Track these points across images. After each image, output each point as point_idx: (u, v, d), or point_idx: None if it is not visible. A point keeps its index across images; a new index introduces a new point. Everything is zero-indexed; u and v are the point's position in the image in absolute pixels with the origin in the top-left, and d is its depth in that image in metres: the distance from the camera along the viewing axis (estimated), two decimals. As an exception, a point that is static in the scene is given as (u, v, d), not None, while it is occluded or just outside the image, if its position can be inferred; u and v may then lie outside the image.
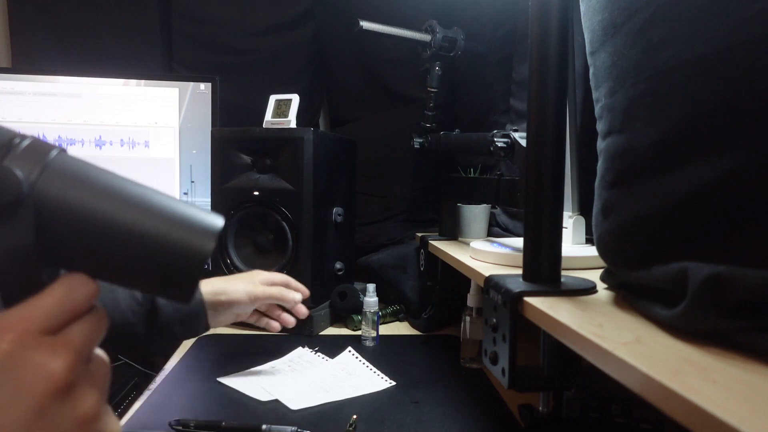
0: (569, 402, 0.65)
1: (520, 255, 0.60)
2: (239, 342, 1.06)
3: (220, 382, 0.85)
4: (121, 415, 0.74)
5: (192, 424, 0.70)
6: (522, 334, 0.56)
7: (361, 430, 0.71)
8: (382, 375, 0.88)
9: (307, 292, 0.94)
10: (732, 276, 0.35)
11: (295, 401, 0.78)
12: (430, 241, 1.09)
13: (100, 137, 1.30)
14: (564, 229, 0.61)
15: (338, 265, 1.21)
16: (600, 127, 0.53)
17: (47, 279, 0.30)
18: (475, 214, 1.14)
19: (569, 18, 0.57)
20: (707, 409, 0.28)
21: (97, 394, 0.30)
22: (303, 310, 0.93)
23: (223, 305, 0.84)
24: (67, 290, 0.30)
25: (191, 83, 1.33)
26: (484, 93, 1.33)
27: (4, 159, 0.29)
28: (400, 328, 1.18)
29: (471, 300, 0.95)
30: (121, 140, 1.31)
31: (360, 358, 0.96)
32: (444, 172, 1.31)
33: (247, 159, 1.14)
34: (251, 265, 1.12)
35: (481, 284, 0.67)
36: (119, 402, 1.05)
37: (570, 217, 0.82)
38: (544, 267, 0.57)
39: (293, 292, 0.91)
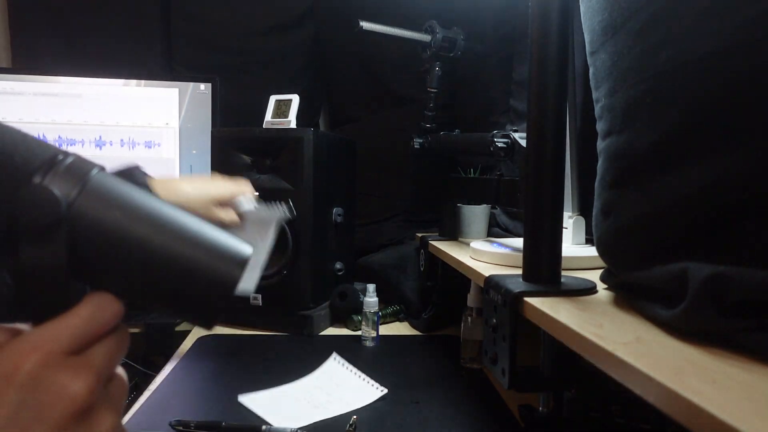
0: (569, 402, 0.65)
1: (520, 255, 0.60)
2: (239, 342, 1.06)
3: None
4: (121, 416, 0.74)
5: (192, 424, 0.70)
6: (522, 335, 0.56)
7: (361, 431, 0.71)
8: (373, 382, 0.85)
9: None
10: (732, 276, 0.35)
11: (283, 422, 0.72)
12: (430, 242, 1.09)
13: (101, 137, 1.30)
14: (564, 230, 0.61)
15: (338, 266, 1.21)
16: (600, 127, 0.53)
17: (75, 296, 0.30)
18: (475, 215, 1.14)
19: (569, 18, 0.57)
20: (707, 409, 0.28)
21: (115, 416, 0.30)
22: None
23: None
24: (94, 310, 0.30)
25: (191, 83, 1.33)
26: (484, 93, 1.33)
27: (45, 176, 0.29)
28: (400, 329, 1.18)
29: (471, 300, 0.95)
30: (121, 140, 1.31)
31: (347, 365, 0.91)
32: (444, 173, 1.31)
33: (247, 159, 1.14)
34: (251, 266, 1.12)
35: (481, 284, 0.67)
36: (119, 402, 1.04)
37: (570, 217, 0.82)
38: (544, 267, 0.57)
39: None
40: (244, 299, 1.12)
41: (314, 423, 0.73)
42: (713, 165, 0.38)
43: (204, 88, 1.34)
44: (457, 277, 0.91)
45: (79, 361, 0.29)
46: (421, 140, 1.15)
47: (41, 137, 1.35)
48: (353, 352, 1.00)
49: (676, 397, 0.30)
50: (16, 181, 0.29)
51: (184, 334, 1.10)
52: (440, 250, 1.00)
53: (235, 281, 0.32)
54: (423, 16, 1.18)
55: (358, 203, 1.37)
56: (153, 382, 0.85)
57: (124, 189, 0.32)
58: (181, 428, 0.70)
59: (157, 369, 0.93)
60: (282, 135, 1.10)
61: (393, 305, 1.22)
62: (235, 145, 1.13)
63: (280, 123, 1.13)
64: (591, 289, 0.57)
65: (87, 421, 0.28)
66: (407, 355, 1.00)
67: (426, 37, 1.12)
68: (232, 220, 0.83)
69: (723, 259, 0.37)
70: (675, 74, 0.41)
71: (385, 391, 0.82)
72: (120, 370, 0.33)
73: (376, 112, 1.51)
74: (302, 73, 1.55)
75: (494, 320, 0.59)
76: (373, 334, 1.05)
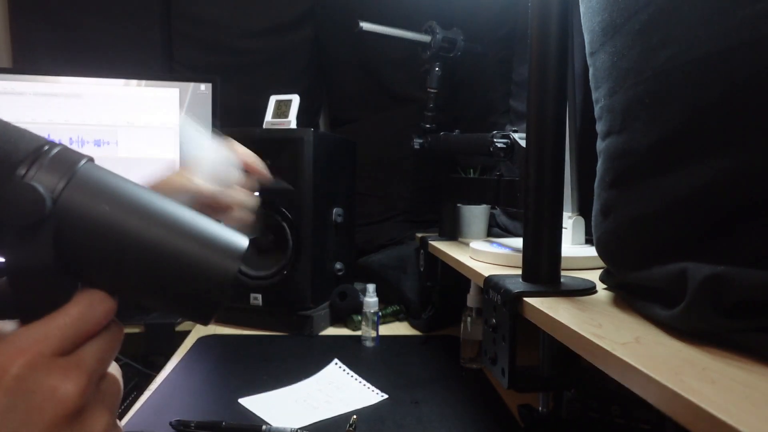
0: (569, 402, 0.65)
1: (520, 255, 0.60)
2: (239, 342, 1.06)
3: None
4: (121, 415, 0.74)
5: (192, 424, 0.70)
6: (522, 335, 0.56)
7: (361, 430, 0.71)
8: (374, 388, 0.84)
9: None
10: (731, 276, 0.35)
11: (283, 422, 0.73)
12: (429, 242, 1.09)
13: (101, 137, 1.30)
14: (563, 230, 0.62)
15: (338, 266, 1.21)
16: (599, 127, 0.53)
17: (66, 294, 0.29)
18: (475, 215, 1.14)
19: (569, 19, 0.57)
20: (707, 409, 0.28)
21: (108, 416, 0.29)
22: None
23: None
24: (84, 309, 0.29)
25: (191, 84, 1.33)
26: (483, 94, 1.33)
27: (30, 169, 0.28)
28: (400, 329, 1.18)
29: (471, 300, 0.95)
30: (121, 141, 1.31)
31: (347, 370, 0.91)
32: (444, 173, 1.31)
33: (247, 159, 1.14)
34: (251, 266, 1.12)
35: (481, 284, 0.67)
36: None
37: (569, 217, 0.82)
38: (543, 267, 0.57)
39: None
40: (245, 299, 1.12)
41: (314, 423, 0.73)
42: (713, 165, 0.38)
43: (204, 88, 1.34)
44: (457, 278, 0.91)
45: (69, 362, 0.28)
46: (421, 140, 1.15)
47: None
48: (353, 352, 1.00)
49: (675, 397, 0.30)
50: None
51: (184, 334, 1.10)
52: (440, 250, 1.00)
53: (232, 275, 0.31)
54: (423, 16, 1.19)
55: (358, 203, 1.37)
56: (153, 382, 0.85)
57: (114, 180, 0.31)
58: (181, 428, 0.70)
59: (157, 369, 0.93)
60: (282, 135, 1.10)
61: (393, 305, 1.22)
62: (235, 146, 1.13)
63: (280, 123, 1.13)
64: (590, 289, 0.57)
65: (79, 423, 0.27)
66: (407, 355, 1.00)
67: (426, 38, 1.12)
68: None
69: (722, 260, 0.37)
70: (675, 74, 0.41)
71: (386, 396, 0.82)
72: (114, 368, 0.32)
73: (376, 112, 1.51)
74: (302, 73, 1.55)
75: (494, 320, 0.59)
76: (373, 334, 1.05)
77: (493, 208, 1.22)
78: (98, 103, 1.30)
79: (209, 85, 1.34)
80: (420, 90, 1.19)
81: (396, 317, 1.22)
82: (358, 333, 1.09)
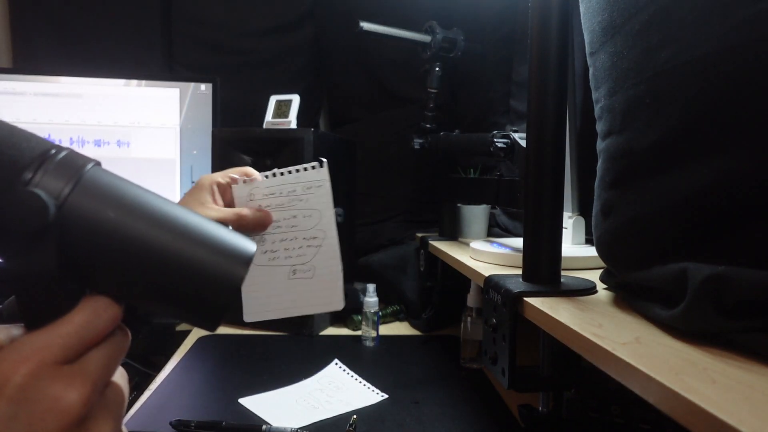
0: (569, 402, 0.65)
1: (520, 255, 0.60)
2: (239, 342, 1.06)
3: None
4: (121, 415, 0.74)
5: (192, 424, 0.70)
6: (522, 335, 0.56)
7: (361, 430, 0.71)
8: (374, 388, 0.84)
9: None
10: (731, 276, 0.35)
11: (283, 421, 0.73)
12: (430, 242, 1.09)
13: (101, 138, 1.30)
14: (564, 230, 0.62)
15: (338, 266, 1.21)
16: (600, 127, 0.53)
17: (71, 300, 0.29)
18: (475, 215, 1.14)
19: (569, 19, 0.57)
20: (707, 409, 0.28)
21: (112, 424, 0.29)
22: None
23: None
24: (89, 316, 0.29)
25: (192, 84, 1.33)
26: (483, 94, 1.33)
27: (35, 174, 0.27)
28: (400, 329, 1.18)
29: (471, 300, 0.95)
30: (121, 141, 1.31)
31: (348, 371, 0.91)
32: (444, 173, 1.31)
33: (247, 159, 1.14)
34: (251, 266, 1.12)
35: (481, 284, 0.67)
36: (119, 402, 1.04)
37: (570, 217, 0.82)
38: (543, 267, 0.57)
39: (258, 214, 0.60)
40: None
41: (314, 423, 0.73)
42: (713, 165, 0.38)
43: (204, 88, 1.34)
44: (457, 277, 0.91)
45: (73, 370, 0.27)
46: (421, 140, 1.15)
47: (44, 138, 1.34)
48: (353, 352, 1.00)
49: (675, 397, 0.30)
50: (4, 183, 0.27)
51: (184, 334, 1.10)
52: (440, 250, 1.00)
53: (239, 280, 0.31)
54: (423, 16, 1.19)
55: (358, 203, 1.37)
56: (153, 382, 0.85)
57: (121, 184, 0.31)
58: (181, 428, 0.70)
59: (157, 369, 0.93)
60: (282, 135, 1.10)
61: (393, 305, 1.22)
62: (235, 146, 1.13)
63: (281, 123, 1.13)
64: (591, 289, 0.57)
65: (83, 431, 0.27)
66: (407, 355, 1.00)
67: (426, 38, 1.12)
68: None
69: (722, 260, 0.37)
70: (675, 74, 0.41)
71: (386, 396, 0.82)
72: (120, 374, 0.32)
73: (376, 112, 1.51)
74: (302, 73, 1.55)
75: (494, 320, 0.59)
76: (373, 334, 1.05)
77: (493, 208, 1.22)
78: (98, 103, 1.30)
79: (209, 85, 1.34)
80: (420, 90, 1.19)
81: (396, 317, 1.22)
82: (358, 333, 1.09)
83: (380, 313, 1.13)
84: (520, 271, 0.60)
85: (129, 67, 1.44)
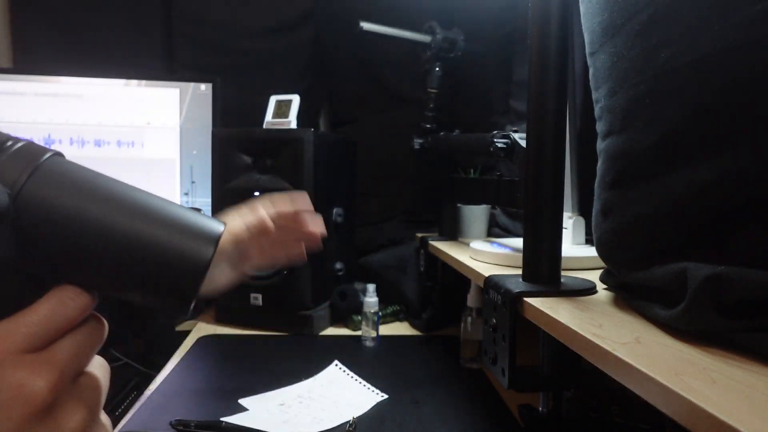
0: (569, 402, 0.65)
1: (520, 255, 0.60)
2: (239, 342, 1.06)
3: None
4: (121, 415, 0.74)
5: (192, 424, 0.70)
6: (522, 334, 0.56)
7: (361, 430, 0.71)
8: (374, 389, 0.84)
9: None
10: (731, 276, 0.35)
11: (282, 422, 0.73)
12: (430, 242, 1.09)
13: (101, 137, 1.30)
14: (564, 230, 0.62)
15: (338, 266, 1.21)
16: (600, 127, 0.53)
17: (36, 291, 0.29)
18: (475, 215, 1.14)
19: (569, 19, 0.57)
20: (707, 409, 0.28)
21: (84, 412, 0.28)
22: (317, 231, 0.68)
23: None
24: (55, 305, 0.28)
25: (192, 84, 1.33)
26: (484, 94, 1.33)
27: None
28: (400, 329, 1.18)
29: (471, 300, 0.95)
30: (121, 141, 1.31)
31: (348, 371, 0.90)
32: (444, 173, 1.31)
33: (247, 159, 1.14)
34: (251, 266, 1.12)
35: (481, 284, 0.67)
36: (119, 402, 1.05)
37: (570, 217, 0.82)
38: (543, 267, 0.57)
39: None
40: (245, 299, 1.12)
41: (314, 423, 0.73)
42: (713, 165, 0.38)
43: (204, 88, 1.34)
44: (457, 278, 0.91)
45: (39, 358, 0.27)
46: (421, 140, 1.15)
47: (44, 138, 1.34)
48: (353, 352, 1.00)
49: (675, 397, 0.30)
50: None
51: (184, 334, 1.10)
52: (440, 250, 1.00)
53: (206, 259, 0.30)
54: (423, 16, 1.19)
55: (358, 203, 1.37)
56: (153, 382, 0.85)
57: (80, 172, 0.30)
58: (181, 428, 0.70)
59: (157, 369, 0.93)
60: (282, 135, 1.10)
61: (393, 305, 1.22)
62: (235, 145, 1.13)
63: (281, 123, 1.13)
64: (591, 290, 0.57)
65: (51, 419, 0.27)
66: (407, 355, 1.00)
67: (426, 38, 1.12)
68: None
69: (722, 260, 0.37)
70: (675, 75, 0.41)
71: (386, 396, 0.82)
72: (100, 364, 0.31)
73: (376, 112, 1.51)
74: (302, 73, 1.55)
75: (494, 320, 0.59)
76: (373, 334, 1.05)
77: (493, 208, 1.22)
78: (98, 103, 1.30)
79: (209, 85, 1.34)
80: (420, 90, 1.19)
81: (396, 317, 1.22)
82: (358, 333, 1.09)
83: (380, 313, 1.13)
84: (520, 271, 0.60)
85: (129, 67, 1.44)
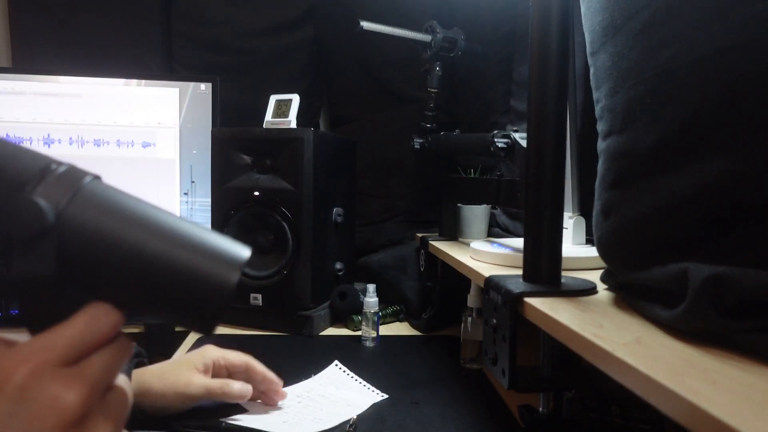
0: (569, 403, 0.65)
1: (521, 255, 0.60)
2: (239, 342, 1.06)
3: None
4: (121, 416, 0.74)
5: (192, 425, 0.70)
6: (522, 335, 0.56)
7: (361, 430, 0.71)
8: (374, 389, 0.83)
9: (275, 380, 0.75)
10: (732, 277, 0.35)
11: (282, 422, 0.72)
12: (430, 242, 1.09)
13: (100, 137, 1.30)
14: (564, 230, 0.62)
15: (338, 266, 1.21)
16: (600, 127, 0.53)
17: (72, 307, 0.30)
18: (476, 215, 1.14)
19: (570, 18, 0.57)
20: (707, 409, 0.28)
21: (111, 426, 0.30)
22: (275, 399, 0.76)
23: (146, 407, 0.68)
24: (89, 321, 0.30)
25: (191, 83, 1.33)
26: (484, 93, 1.33)
27: (36, 187, 0.30)
28: (400, 329, 1.18)
29: (471, 300, 0.95)
30: (121, 140, 1.31)
31: (348, 372, 0.90)
32: (444, 173, 1.31)
33: (247, 159, 1.14)
34: (251, 266, 1.12)
35: (481, 285, 0.67)
36: (119, 402, 1.04)
37: (570, 217, 0.82)
38: (544, 267, 0.57)
39: (242, 388, 0.73)
40: (245, 299, 1.12)
41: (314, 423, 0.73)
42: (713, 165, 0.38)
43: (204, 88, 1.34)
44: (457, 278, 0.91)
45: (73, 372, 0.28)
46: (421, 140, 1.15)
47: (44, 137, 1.33)
48: (353, 353, 1.00)
49: (675, 398, 0.30)
50: (7, 195, 0.29)
51: (184, 334, 1.10)
52: (440, 250, 1.00)
53: (233, 284, 0.32)
54: (423, 16, 1.19)
55: (358, 203, 1.37)
56: (153, 382, 0.85)
57: (117, 196, 0.32)
58: (180, 428, 0.70)
59: (157, 369, 0.92)
60: (282, 135, 1.10)
61: (393, 305, 1.22)
62: (235, 145, 1.13)
63: (281, 123, 1.13)
64: (591, 290, 0.57)
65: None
66: (407, 355, 1.00)
67: (426, 37, 1.12)
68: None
69: (723, 260, 0.37)
70: (675, 74, 0.41)
71: (386, 396, 0.81)
72: (123, 381, 0.33)
73: (376, 112, 1.51)
74: (302, 73, 1.55)
75: (494, 320, 0.59)
76: (373, 334, 1.05)
77: (493, 208, 1.22)
78: (98, 103, 1.30)
79: (209, 85, 1.34)
80: (420, 90, 1.19)
81: (396, 317, 1.22)
82: (358, 333, 1.09)
83: (380, 314, 1.13)
84: (520, 272, 0.60)
85: (129, 67, 1.44)
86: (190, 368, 0.72)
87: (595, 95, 0.54)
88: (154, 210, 0.33)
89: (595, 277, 0.61)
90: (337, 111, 1.63)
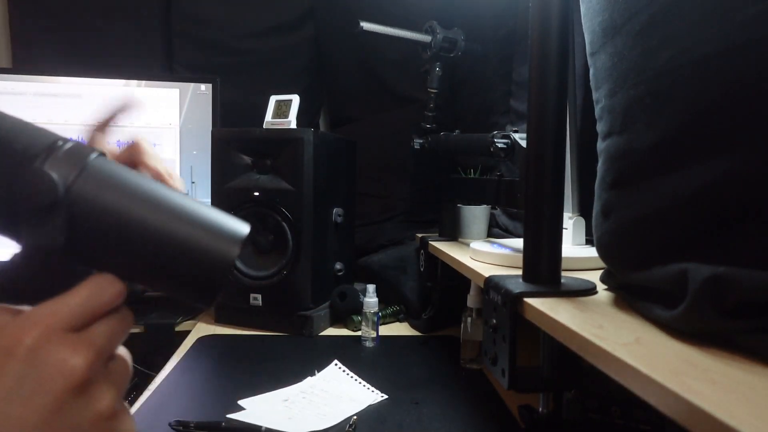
0: (569, 403, 0.65)
1: (520, 256, 0.60)
2: (239, 342, 1.06)
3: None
4: (121, 416, 0.74)
5: (192, 424, 0.70)
6: (522, 335, 0.56)
7: (361, 431, 0.71)
8: (374, 389, 0.84)
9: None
10: (732, 277, 0.35)
11: (282, 422, 0.72)
12: (430, 242, 1.09)
13: (101, 137, 1.30)
14: (564, 230, 0.62)
15: (338, 266, 1.21)
16: (600, 128, 0.53)
17: (77, 277, 0.31)
18: (475, 215, 1.14)
19: (569, 19, 0.57)
20: (707, 410, 0.28)
21: (114, 392, 0.31)
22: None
23: None
24: (94, 290, 0.31)
25: (192, 84, 1.33)
26: (484, 94, 1.33)
27: (45, 161, 0.30)
28: (400, 329, 1.18)
29: (471, 301, 0.95)
30: (121, 141, 1.31)
31: (348, 371, 0.90)
32: (444, 173, 1.31)
33: (247, 159, 1.14)
34: (251, 266, 1.12)
35: (481, 285, 0.67)
36: (119, 402, 1.04)
37: (570, 218, 0.82)
38: (544, 268, 0.57)
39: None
40: (245, 299, 1.12)
41: (314, 423, 0.73)
42: (713, 166, 0.38)
43: (204, 88, 1.34)
44: (457, 278, 0.91)
45: (79, 338, 0.29)
46: (421, 140, 1.15)
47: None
48: (353, 353, 1.00)
49: (675, 398, 0.30)
50: (16, 167, 0.30)
51: (184, 334, 1.10)
52: (440, 250, 1.00)
53: (232, 259, 0.33)
54: (423, 16, 1.18)
55: (358, 203, 1.37)
56: (153, 382, 0.85)
57: (122, 172, 0.33)
58: (181, 428, 0.70)
59: (157, 369, 0.93)
60: (282, 135, 1.10)
61: (393, 306, 1.22)
62: (235, 146, 1.13)
63: (280, 123, 1.13)
64: (591, 290, 0.57)
65: (86, 396, 0.29)
66: (407, 355, 1.00)
67: (426, 38, 1.12)
68: None
69: (723, 260, 0.37)
70: (675, 75, 0.41)
71: (386, 396, 0.81)
72: (123, 351, 0.34)
73: (376, 112, 1.51)
74: (302, 73, 1.55)
75: (494, 321, 0.59)
76: (373, 334, 1.05)
77: (493, 208, 1.22)
78: (99, 103, 1.30)
79: (209, 85, 1.34)
80: (420, 90, 1.19)
81: (396, 317, 1.22)
82: (358, 333, 1.09)
83: (380, 314, 1.13)
84: (520, 272, 0.60)
85: (129, 67, 1.44)
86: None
87: (594, 96, 0.54)
88: (158, 186, 0.34)
89: (595, 277, 0.61)
90: (337, 111, 1.63)
